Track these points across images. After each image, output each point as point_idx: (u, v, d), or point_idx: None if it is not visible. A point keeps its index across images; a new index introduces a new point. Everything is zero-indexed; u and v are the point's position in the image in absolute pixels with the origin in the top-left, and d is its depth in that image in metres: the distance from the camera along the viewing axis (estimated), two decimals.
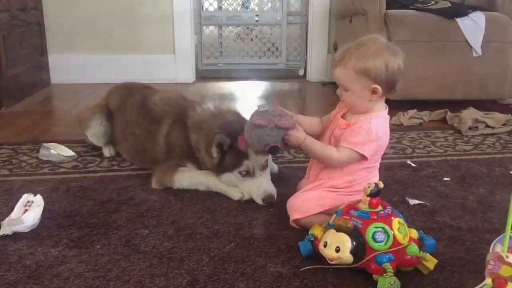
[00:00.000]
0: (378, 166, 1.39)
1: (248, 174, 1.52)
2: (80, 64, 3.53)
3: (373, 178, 1.34)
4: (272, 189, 1.52)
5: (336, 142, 1.34)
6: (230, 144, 1.50)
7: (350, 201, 1.22)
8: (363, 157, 1.29)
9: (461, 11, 2.82)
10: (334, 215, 1.19)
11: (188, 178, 1.63)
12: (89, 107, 2.07)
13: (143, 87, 2.02)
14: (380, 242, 1.09)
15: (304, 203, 1.33)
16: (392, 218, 1.13)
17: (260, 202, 1.50)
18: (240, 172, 1.53)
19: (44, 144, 1.99)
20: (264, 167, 1.53)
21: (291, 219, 1.35)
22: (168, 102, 1.82)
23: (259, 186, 1.51)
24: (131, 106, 1.89)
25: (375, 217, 1.12)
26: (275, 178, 1.63)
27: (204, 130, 1.59)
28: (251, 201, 1.53)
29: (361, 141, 1.27)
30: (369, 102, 1.29)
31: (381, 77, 1.25)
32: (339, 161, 1.31)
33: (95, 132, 1.97)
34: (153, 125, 1.76)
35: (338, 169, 1.34)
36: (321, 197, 1.33)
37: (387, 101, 1.36)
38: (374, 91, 1.27)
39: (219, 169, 1.55)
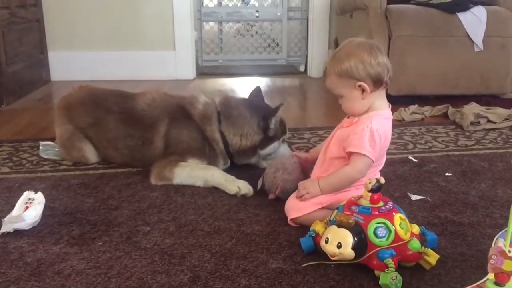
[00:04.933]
0: (381, 167, 1.38)
1: (283, 140, 1.81)
2: (80, 61, 3.52)
3: (374, 176, 1.33)
4: None
5: (336, 142, 1.34)
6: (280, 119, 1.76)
7: (352, 196, 1.21)
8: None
9: (463, 5, 2.80)
10: (336, 211, 1.19)
11: (187, 171, 1.64)
12: (67, 139, 1.86)
13: (115, 96, 1.85)
14: (382, 237, 1.08)
15: (300, 202, 1.34)
16: (394, 213, 1.12)
17: None
18: (283, 139, 1.79)
19: (44, 141, 1.99)
20: None
21: (288, 218, 1.36)
22: (156, 105, 1.77)
23: (287, 149, 1.84)
24: (114, 121, 1.78)
25: (377, 212, 1.11)
26: None
27: (231, 119, 1.71)
28: (250, 196, 1.54)
29: (366, 143, 1.26)
30: (363, 101, 1.29)
31: (361, 73, 1.26)
32: (357, 172, 1.29)
33: (92, 151, 1.86)
34: (148, 131, 1.73)
35: (334, 168, 1.33)
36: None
37: (388, 97, 1.35)
38: (362, 89, 1.27)
39: (264, 142, 1.73)
